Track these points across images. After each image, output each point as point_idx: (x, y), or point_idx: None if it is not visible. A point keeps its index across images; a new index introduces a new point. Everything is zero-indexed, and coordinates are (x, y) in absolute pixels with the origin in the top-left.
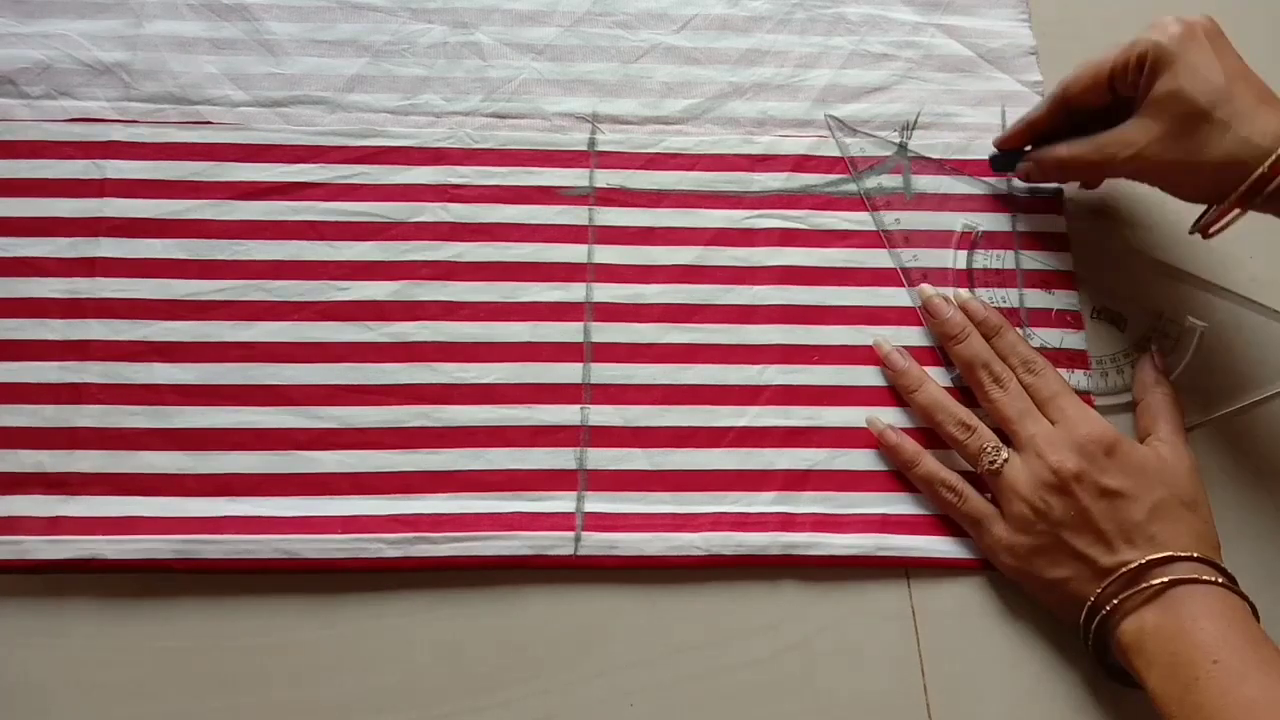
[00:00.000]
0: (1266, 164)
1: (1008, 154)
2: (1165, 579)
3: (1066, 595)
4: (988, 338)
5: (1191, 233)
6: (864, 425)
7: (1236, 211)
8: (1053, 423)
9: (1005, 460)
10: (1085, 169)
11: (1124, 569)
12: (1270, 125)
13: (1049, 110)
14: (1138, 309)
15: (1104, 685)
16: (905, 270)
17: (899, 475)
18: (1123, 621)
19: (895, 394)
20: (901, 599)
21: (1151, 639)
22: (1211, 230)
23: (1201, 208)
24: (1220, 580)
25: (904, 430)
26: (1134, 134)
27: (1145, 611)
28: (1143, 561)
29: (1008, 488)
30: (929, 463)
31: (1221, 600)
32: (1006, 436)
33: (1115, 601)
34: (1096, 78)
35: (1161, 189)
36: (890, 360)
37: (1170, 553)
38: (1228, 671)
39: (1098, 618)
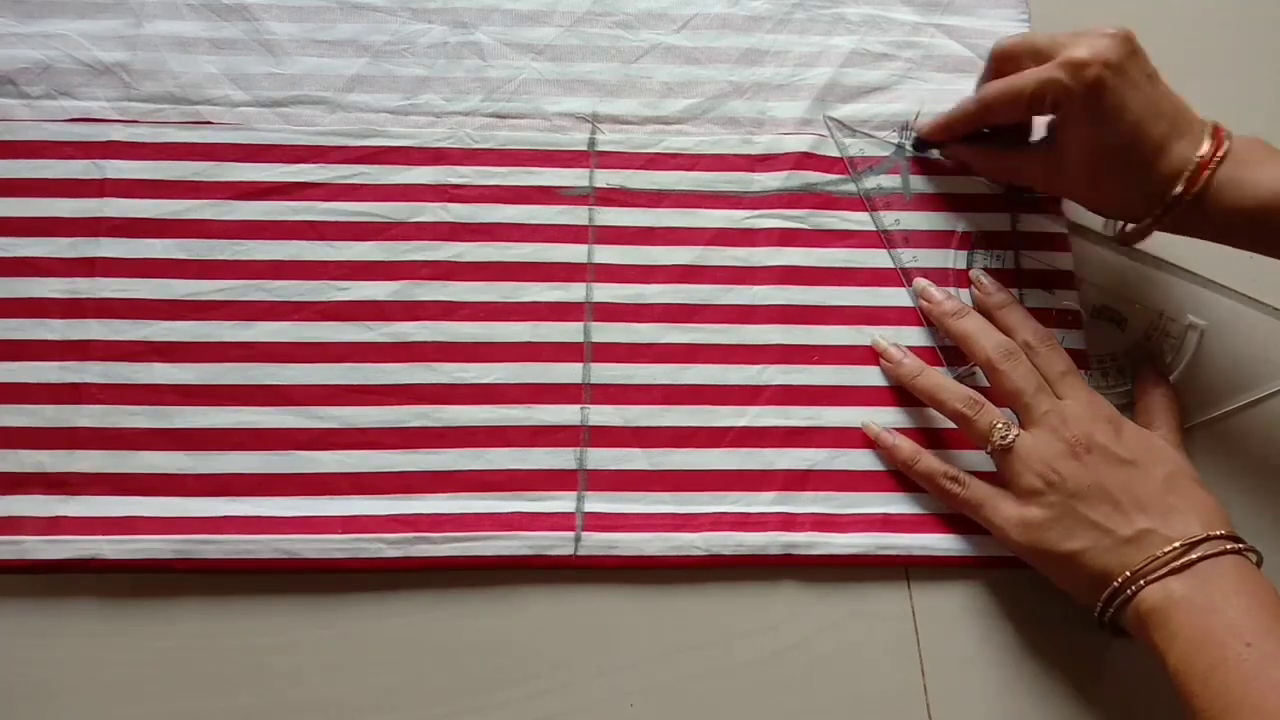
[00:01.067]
0: (1163, 204)
1: (929, 142)
2: (1196, 555)
3: (1081, 568)
4: (994, 311)
5: (1114, 240)
6: (861, 425)
7: (1151, 230)
8: (1061, 399)
9: (1016, 436)
10: (999, 176)
11: (1168, 548)
12: (1172, 165)
13: (966, 121)
14: (1138, 309)
15: (1104, 685)
16: (905, 271)
17: (899, 475)
18: (1143, 590)
19: (895, 394)
20: (901, 599)
21: (1179, 611)
22: (1131, 245)
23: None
24: (1242, 548)
25: (904, 432)
26: (1045, 161)
27: (1172, 582)
28: (1179, 544)
29: (1019, 462)
30: (928, 459)
31: (1251, 576)
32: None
33: (1139, 569)
34: (1014, 104)
35: (1074, 201)
36: (888, 354)
37: (1206, 533)
38: (1260, 655)
39: (1126, 591)
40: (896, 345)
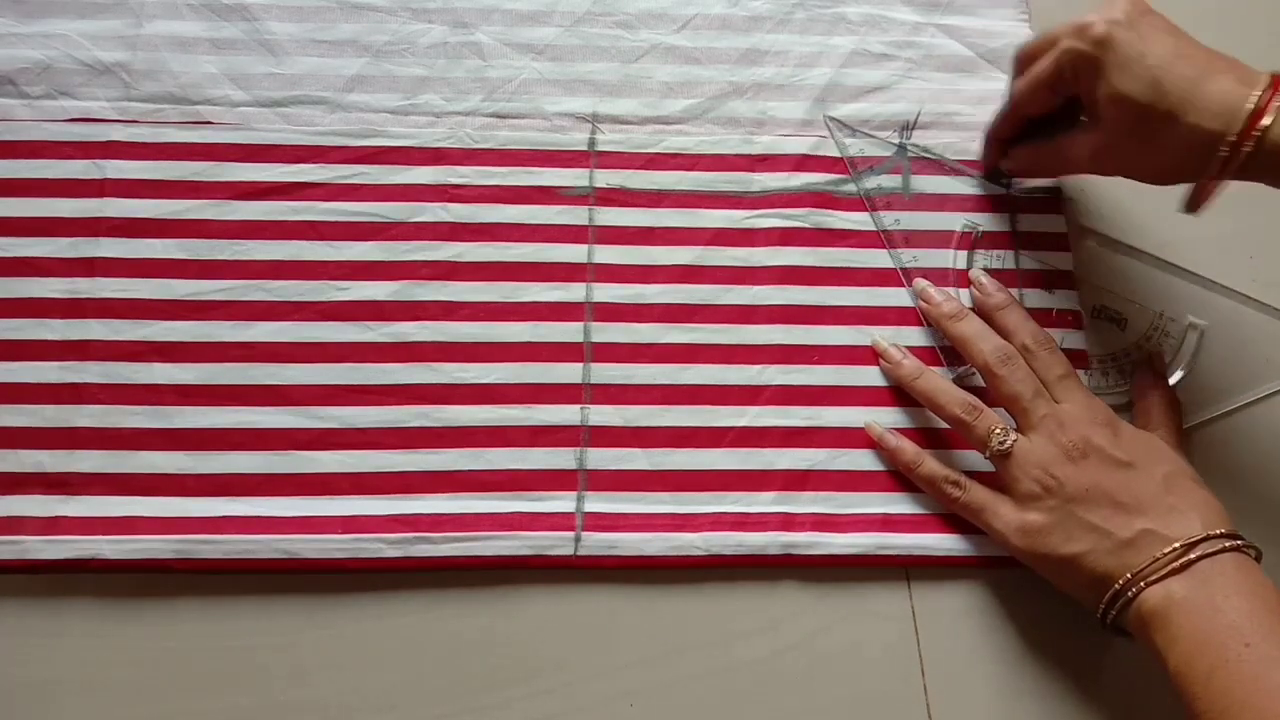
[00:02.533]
0: (1223, 148)
1: (992, 170)
2: (1195, 555)
3: (1082, 571)
4: (993, 312)
5: (1181, 211)
6: (864, 425)
7: (1220, 184)
8: (1058, 403)
9: (1014, 441)
10: (1054, 170)
11: (1168, 549)
12: (1213, 104)
13: (1006, 123)
14: (1138, 309)
15: (1104, 685)
16: (905, 270)
17: (899, 475)
18: (1145, 591)
19: (895, 394)
20: (901, 599)
21: (1179, 612)
22: (1198, 209)
23: (1180, 189)
24: (1241, 544)
25: (904, 432)
26: (1088, 138)
27: (1172, 583)
28: (1179, 544)
29: (1017, 467)
30: (930, 463)
31: (1251, 574)
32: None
33: (1140, 570)
34: (1039, 87)
35: (1131, 178)
36: (888, 354)
37: (1206, 532)
38: (1260, 656)
39: (1127, 593)
40: (896, 346)
